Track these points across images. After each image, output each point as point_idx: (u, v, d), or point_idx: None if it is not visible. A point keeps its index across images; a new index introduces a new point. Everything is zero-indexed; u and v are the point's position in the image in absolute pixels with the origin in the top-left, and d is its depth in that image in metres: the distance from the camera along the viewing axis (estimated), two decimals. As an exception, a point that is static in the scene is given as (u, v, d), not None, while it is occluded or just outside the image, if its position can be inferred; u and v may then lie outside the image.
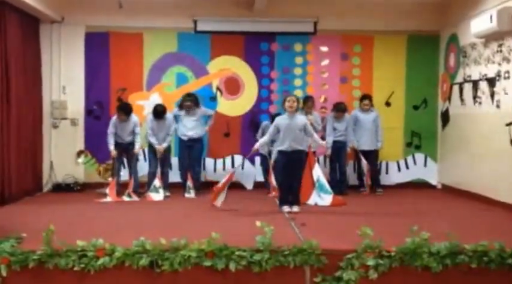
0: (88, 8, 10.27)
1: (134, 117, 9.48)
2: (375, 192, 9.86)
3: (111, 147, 9.36)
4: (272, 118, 9.59)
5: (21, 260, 5.19)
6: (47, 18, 9.93)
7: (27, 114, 9.44)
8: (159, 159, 9.54)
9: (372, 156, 9.97)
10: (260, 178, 10.38)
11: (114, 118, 9.44)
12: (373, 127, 9.96)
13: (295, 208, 7.84)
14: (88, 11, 10.27)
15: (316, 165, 8.78)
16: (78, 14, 10.24)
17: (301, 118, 7.98)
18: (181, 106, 9.71)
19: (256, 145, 8.22)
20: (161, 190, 9.28)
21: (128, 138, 9.45)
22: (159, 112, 9.41)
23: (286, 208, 7.84)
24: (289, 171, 7.88)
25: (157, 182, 9.32)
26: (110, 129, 9.39)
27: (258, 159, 10.49)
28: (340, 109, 9.86)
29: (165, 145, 9.51)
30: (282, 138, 7.83)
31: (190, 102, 9.57)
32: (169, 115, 9.60)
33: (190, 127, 9.62)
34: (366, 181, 9.82)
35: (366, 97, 10.08)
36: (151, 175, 9.48)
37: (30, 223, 6.54)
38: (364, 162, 9.74)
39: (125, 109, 9.33)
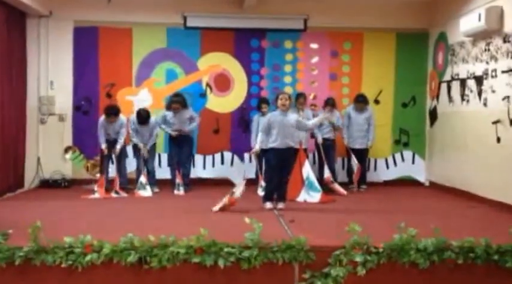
0: (76, 2, 10.24)
1: (122, 118, 9.45)
2: (359, 188, 9.93)
3: (103, 146, 9.37)
4: (259, 102, 9.71)
5: (7, 257, 5.14)
6: (35, 12, 9.87)
7: (11, 109, 9.37)
8: (145, 158, 9.58)
9: (363, 154, 10.04)
10: (249, 174, 10.35)
11: (102, 118, 9.41)
12: (365, 126, 10.02)
13: (281, 205, 7.85)
14: (76, 6, 10.24)
15: (306, 162, 8.82)
16: (67, 8, 10.21)
17: (293, 116, 8.00)
18: (168, 107, 9.64)
19: (257, 147, 8.08)
20: (148, 187, 9.31)
21: (115, 136, 9.45)
22: (143, 118, 9.38)
23: (268, 205, 7.86)
24: (280, 168, 7.89)
25: (143, 179, 9.34)
26: (100, 130, 9.39)
27: (246, 156, 10.53)
28: (329, 103, 9.89)
29: (147, 147, 9.52)
30: (275, 135, 7.82)
31: (178, 103, 9.50)
32: (152, 119, 9.55)
33: (177, 127, 9.61)
34: (355, 179, 9.87)
35: (360, 99, 10.02)
36: (139, 172, 9.53)
37: (16, 219, 6.48)
38: (354, 160, 9.79)
39: (113, 112, 9.30)
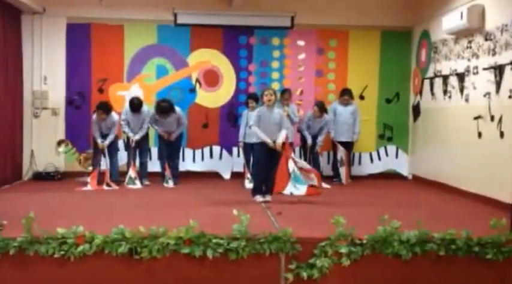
0: (69, -1, 10.32)
1: (114, 116, 9.50)
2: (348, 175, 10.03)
3: (99, 141, 9.46)
4: (247, 97, 9.79)
5: (1, 247, 5.20)
6: (29, 9, 9.94)
7: (7, 103, 9.47)
8: (137, 149, 9.66)
9: (348, 147, 10.12)
10: (237, 168, 10.52)
11: (94, 117, 9.47)
12: (351, 120, 10.13)
13: (268, 197, 7.96)
14: (69, 3, 10.30)
15: (292, 155, 8.94)
16: (60, 5, 10.27)
17: (278, 112, 8.12)
18: (156, 109, 9.59)
19: (267, 140, 7.94)
20: (137, 181, 9.38)
21: (107, 131, 9.53)
22: (135, 105, 9.44)
23: (259, 198, 7.96)
24: (267, 162, 8.00)
25: (132, 173, 9.42)
26: (94, 128, 9.49)
27: (235, 150, 10.66)
28: (319, 106, 9.90)
29: (137, 136, 9.57)
30: (261, 130, 7.93)
31: (165, 114, 9.46)
32: (145, 108, 9.64)
33: (166, 127, 9.71)
34: (346, 170, 9.93)
35: (346, 92, 10.18)
36: (129, 165, 9.58)
37: (11, 211, 6.49)
38: (342, 150, 9.87)
39: (105, 108, 9.35)
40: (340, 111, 10.15)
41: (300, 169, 8.49)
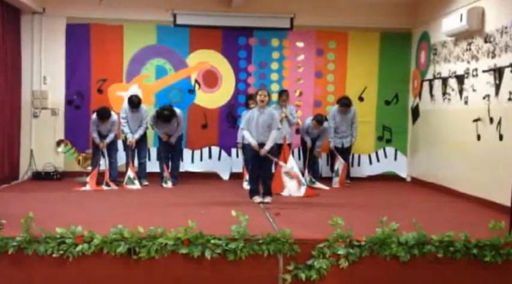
0: (69, -1, 10.34)
1: (113, 116, 9.50)
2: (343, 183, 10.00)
3: (97, 141, 9.47)
4: (248, 98, 9.80)
5: (0, 246, 5.24)
6: (28, 9, 9.96)
7: (6, 103, 9.47)
8: (136, 150, 9.67)
9: (346, 152, 10.11)
10: (236, 169, 10.53)
11: (94, 117, 9.46)
12: (350, 126, 10.09)
13: (267, 199, 7.93)
14: (69, 3, 10.31)
15: (291, 157, 8.95)
16: (59, 5, 10.28)
17: (270, 112, 8.05)
18: (158, 116, 9.55)
19: (254, 142, 7.88)
20: (136, 181, 9.40)
21: (107, 132, 9.53)
22: (134, 102, 9.47)
23: (257, 199, 7.95)
24: (258, 162, 7.98)
25: (131, 173, 9.43)
26: (92, 128, 9.47)
27: (233, 151, 10.66)
28: (318, 120, 9.79)
29: (137, 135, 9.59)
30: (251, 131, 7.92)
31: (167, 120, 9.45)
32: (143, 106, 9.67)
33: (168, 128, 9.70)
34: (340, 178, 9.86)
35: (343, 103, 9.96)
36: (128, 166, 9.58)
37: (10, 210, 6.53)
38: (341, 160, 9.86)
39: (106, 116, 9.34)
40: (340, 120, 10.05)
41: (286, 173, 8.57)
